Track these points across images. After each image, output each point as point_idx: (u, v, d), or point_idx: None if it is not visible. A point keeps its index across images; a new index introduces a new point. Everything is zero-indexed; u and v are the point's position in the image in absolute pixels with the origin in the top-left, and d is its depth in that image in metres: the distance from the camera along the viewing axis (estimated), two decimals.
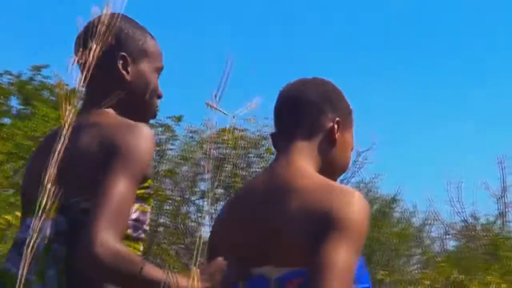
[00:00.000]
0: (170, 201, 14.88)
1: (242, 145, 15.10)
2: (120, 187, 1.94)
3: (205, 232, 15.95)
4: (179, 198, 15.08)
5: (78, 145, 2.02)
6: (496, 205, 21.04)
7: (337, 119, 2.25)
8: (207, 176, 15.36)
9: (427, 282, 14.03)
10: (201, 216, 15.59)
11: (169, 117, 14.58)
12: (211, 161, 15.19)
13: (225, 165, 14.94)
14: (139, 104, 2.30)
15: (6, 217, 8.33)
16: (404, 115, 27.64)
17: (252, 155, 15.28)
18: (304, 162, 2.14)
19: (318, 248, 1.90)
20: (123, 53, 2.25)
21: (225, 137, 15.06)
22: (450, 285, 12.20)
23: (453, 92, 26.12)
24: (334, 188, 2.03)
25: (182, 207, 15.05)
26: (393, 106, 26.65)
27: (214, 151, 15.28)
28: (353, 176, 18.72)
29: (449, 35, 27.76)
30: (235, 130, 15.27)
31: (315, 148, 2.20)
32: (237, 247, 2.08)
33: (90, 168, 2.00)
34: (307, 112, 2.22)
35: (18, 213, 5.61)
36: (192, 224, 15.53)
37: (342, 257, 1.89)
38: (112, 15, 2.05)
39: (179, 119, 14.67)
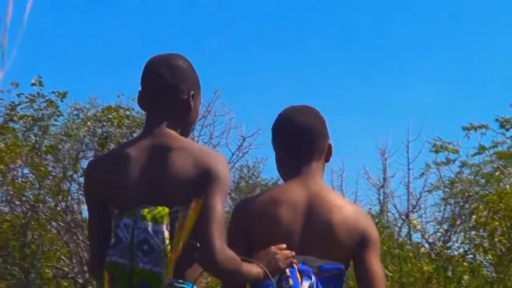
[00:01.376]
0: (51, 177, 14.74)
1: (127, 124, 15.07)
2: (220, 206, 2.62)
3: (86, 210, 15.83)
4: (61, 175, 14.96)
5: (174, 165, 2.66)
6: (377, 194, 21.61)
7: (330, 143, 3.07)
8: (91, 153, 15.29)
9: None
10: (82, 194, 15.48)
11: (53, 92, 14.44)
12: (95, 139, 15.17)
13: (109, 144, 14.91)
14: (189, 130, 2.93)
15: None
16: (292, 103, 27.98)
17: (136, 135, 15.25)
18: (323, 180, 3.03)
19: (363, 259, 2.85)
20: (193, 92, 2.87)
21: (110, 116, 15.03)
22: None
23: (341, 86, 26.69)
24: (363, 211, 3.08)
25: (63, 184, 14.93)
26: (282, 92, 27.00)
27: (99, 129, 15.24)
28: (238, 161, 19.03)
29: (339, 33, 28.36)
30: (120, 109, 15.26)
31: (322, 167, 3.05)
32: (281, 240, 2.80)
33: (187, 185, 2.64)
34: (318, 140, 3.00)
35: None
36: (73, 201, 15.45)
37: (381, 267, 2.88)
38: (173, 55, 2.88)
39: (63, 95, 14.53)
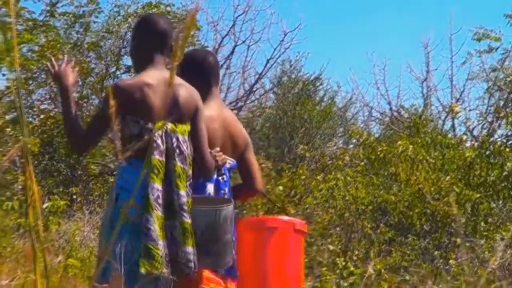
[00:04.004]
0: (94, 74, 14.85)
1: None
2: (204, 128, 3.97)
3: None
4: (103, 72, 15.05)
5: (182, 95, 3.89)
6: (420, 88, 21.47)
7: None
8: None
9: (347, 158, 14.31)
10: None
11: None
12: None
13: None
14: None
15: None
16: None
17: (177, 30, 15.18)
18: None
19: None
20: None
21: (151, 12, 14.99)
22: (372, 162, 12.34)
23: None
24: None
25: (106, 81, 15.03)
26: None
27: None
28: (280, 56, 18.97)
29: None
30: (161, 5, 15.21)
31: None
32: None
33: (188, 111, 3.90)
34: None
35: None
36: None
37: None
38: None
39: None
